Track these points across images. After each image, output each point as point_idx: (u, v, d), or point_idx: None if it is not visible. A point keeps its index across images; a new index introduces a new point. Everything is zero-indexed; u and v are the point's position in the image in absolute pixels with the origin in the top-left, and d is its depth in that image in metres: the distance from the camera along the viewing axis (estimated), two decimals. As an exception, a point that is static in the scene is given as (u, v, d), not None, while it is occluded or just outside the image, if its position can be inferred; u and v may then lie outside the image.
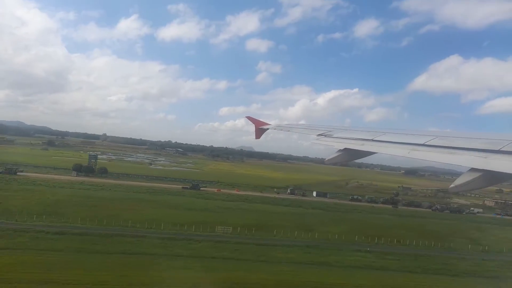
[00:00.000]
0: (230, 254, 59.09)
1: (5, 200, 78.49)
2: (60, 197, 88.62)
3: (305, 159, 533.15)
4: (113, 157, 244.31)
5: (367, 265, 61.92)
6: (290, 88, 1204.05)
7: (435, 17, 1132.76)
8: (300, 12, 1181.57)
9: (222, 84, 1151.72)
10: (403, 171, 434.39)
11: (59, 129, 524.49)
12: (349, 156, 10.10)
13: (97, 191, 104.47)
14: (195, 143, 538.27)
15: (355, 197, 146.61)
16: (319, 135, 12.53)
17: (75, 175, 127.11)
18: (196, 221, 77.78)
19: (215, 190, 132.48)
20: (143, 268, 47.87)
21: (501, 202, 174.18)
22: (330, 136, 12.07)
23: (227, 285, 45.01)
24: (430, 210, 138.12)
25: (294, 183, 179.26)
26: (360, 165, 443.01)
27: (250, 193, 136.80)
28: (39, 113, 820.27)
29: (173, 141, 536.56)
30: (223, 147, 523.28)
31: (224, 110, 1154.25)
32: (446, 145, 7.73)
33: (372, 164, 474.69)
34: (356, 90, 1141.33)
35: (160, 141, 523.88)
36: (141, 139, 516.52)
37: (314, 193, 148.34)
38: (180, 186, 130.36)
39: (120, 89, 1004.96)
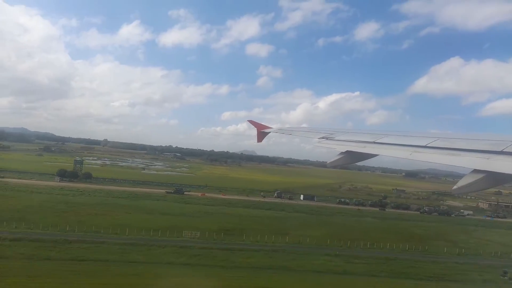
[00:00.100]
0: (188, 259, 58.15)
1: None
2: (34, 203, 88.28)
3: (305, 163, 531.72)
4: (108, 162, 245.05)
5: (330, 269, 60.64)
6: (291, 92, 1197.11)
7: (435, 19, 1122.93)
8: (300, 16, 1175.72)
9: (224, 89, 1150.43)
10: (404, 174, 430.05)
11: (63, 135, 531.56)
12: (351, 158, 10.08)
13: (75, 196, 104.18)
14: (196, 148, 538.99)
15: (342, 200, 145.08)
16: (321, 138, 12.61)
17: (58, 180, 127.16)
18: (168, 226, 76.97)
19: (200, 194, 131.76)
20: (89, 275, 47.17)
21: (495, 204, 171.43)
22: (332, 139, 12.12)
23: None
24: (418, 212, 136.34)
25: (287, 187, 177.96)
26: (361, 168, 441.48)
27: (236, 197, 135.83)
28: (42, 119, 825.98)
29: (174, 146, 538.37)
30: (224, 151, 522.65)
31: (226, 115, 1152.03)
32: (448, 147, 7.71)
33: (373, 167, 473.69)
34: (357, 93, 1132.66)
35: (161, 146, 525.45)
36: (141, 144, 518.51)
37: (302, 197, 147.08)
38: (164, 191, 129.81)
39: (122, 94, 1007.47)
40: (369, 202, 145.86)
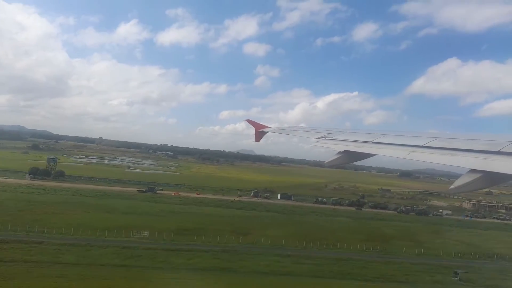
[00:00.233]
0: (124, 260, 56.42)
1: None
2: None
3: (301, 162, 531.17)
4: (94, 161, 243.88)
5: (274, 270, 58.89)
6: (289, 91, 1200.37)
7: (434, 21, 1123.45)
8: (298, 16, 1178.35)
9: (222, 88, 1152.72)
10: (398, 174, 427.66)
11: (60, 134, 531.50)
12: (349, 158, 10.14)
13: (40, 195, 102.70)
14: (193, 147, 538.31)
15: (320, 199, 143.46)
16: (319, 137, 12.63)
17: (29, 178, 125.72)
18: (122, 225, 75.42)
19: (173, 193, 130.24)
20: (8, 278, 45.55)
21: (478, 204, 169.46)
22: (330, 138, 12.15)
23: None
24: (396, 212, 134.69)
25: (273, 186, 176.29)
26: (357, 168, 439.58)
27: (211, 196, 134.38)
28: (40, 117, 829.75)
29: (170, 145, 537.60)
30: (219, 150, 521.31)
31: (224, 114, 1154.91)
32: (446, 147, 7.74)
33: (370, 166, 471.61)
34: (355, 93, 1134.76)
35: (156, 144, 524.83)
36: (136, 142, 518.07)
37: (279, 196, 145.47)
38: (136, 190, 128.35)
39: (120, 93, 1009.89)
40: (347, 201, 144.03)
